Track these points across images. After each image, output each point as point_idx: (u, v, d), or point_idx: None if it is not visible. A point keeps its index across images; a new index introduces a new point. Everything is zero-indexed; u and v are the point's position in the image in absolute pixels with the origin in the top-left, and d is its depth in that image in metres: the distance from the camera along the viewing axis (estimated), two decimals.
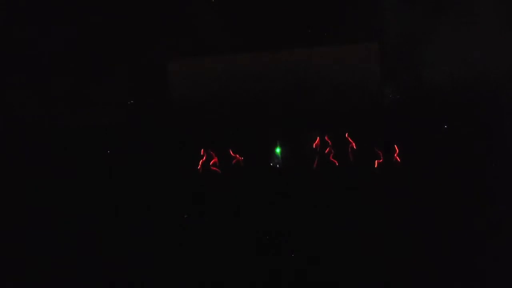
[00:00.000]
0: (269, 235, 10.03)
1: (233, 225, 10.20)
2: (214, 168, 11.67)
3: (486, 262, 9.09)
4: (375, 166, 11.21)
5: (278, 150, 11.87)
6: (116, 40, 12.56)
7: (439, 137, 11.39)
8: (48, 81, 12.46)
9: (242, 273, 9.30)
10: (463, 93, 11.79)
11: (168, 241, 10.10)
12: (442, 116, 11.70)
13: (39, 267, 9.69)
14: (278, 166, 11.82)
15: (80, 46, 12.53)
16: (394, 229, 9.82)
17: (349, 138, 11.51)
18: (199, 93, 12.43)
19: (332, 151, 11.53)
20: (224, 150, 11.68)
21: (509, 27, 11.76)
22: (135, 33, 12.54)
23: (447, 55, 11.93)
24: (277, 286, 9.13)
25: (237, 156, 11.71)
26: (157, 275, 9.45)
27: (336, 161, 11.50)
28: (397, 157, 11.23)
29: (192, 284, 9.24)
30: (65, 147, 11.89)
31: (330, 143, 11.58)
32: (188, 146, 11.72)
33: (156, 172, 11.40)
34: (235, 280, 9.20)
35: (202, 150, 11.70)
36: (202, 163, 11.67)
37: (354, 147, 11.46)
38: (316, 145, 11.64)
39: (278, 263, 9.46)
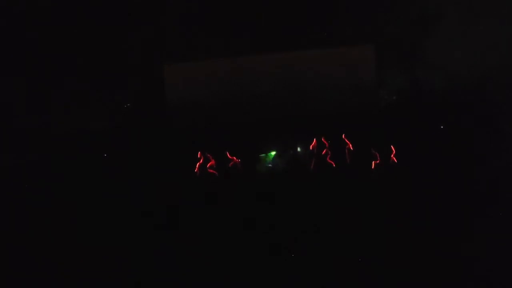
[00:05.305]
0: (267, 236, 10.02)
1: (232, 227, 10.18)
2: (212, 171, 11.66)
3: (484, 262, 9.10)
4: (372, 167, 11.23)
5: (274, 152, 11.89)
6: (113, 44, 12.57)
7: (436, 138, 11.42)
8: (45, 85, 12.44)
9: (241, 273, 9.30)
10: (459, 94, 11.84)
11: (166, 243, 10.07)
12: (438, 116, 11.74)
13: (38, 268, 9.69)
14: (275, 168, 11.83)
15: (76, 50, 12.53)
16: (392, 230, 9.82)
17: (346, 140, 11.53)
18: (196, 96, 12.43)
19: (329, 152, 11.55)
20: (221, 152, 11.69)
21: (507, 27, 11.82)
22: (131, 36, 12.55)
23: (442, 56, 11.97)
24: (277, 286, 9.14)
25: (234, 158, 11.72)
26: (155, 277, 9.45)
27: (333, 163, 11.51)
28: (394, 158, 11.25)
29: (191, 285, 9.25)
30: (62, 150, 11.89)
31: (327, 145, 11.60)
32: (185, 149, 11.71)
33: (154, 175, 11.38)
34: (234, 281, 9.20)
35: (199, 153, 11.70)
36: (199, 166, 11.67)
37: (351, 148, 11.48)
38: (313, 147, 11.66)
39: (277, 263, 9.46)
